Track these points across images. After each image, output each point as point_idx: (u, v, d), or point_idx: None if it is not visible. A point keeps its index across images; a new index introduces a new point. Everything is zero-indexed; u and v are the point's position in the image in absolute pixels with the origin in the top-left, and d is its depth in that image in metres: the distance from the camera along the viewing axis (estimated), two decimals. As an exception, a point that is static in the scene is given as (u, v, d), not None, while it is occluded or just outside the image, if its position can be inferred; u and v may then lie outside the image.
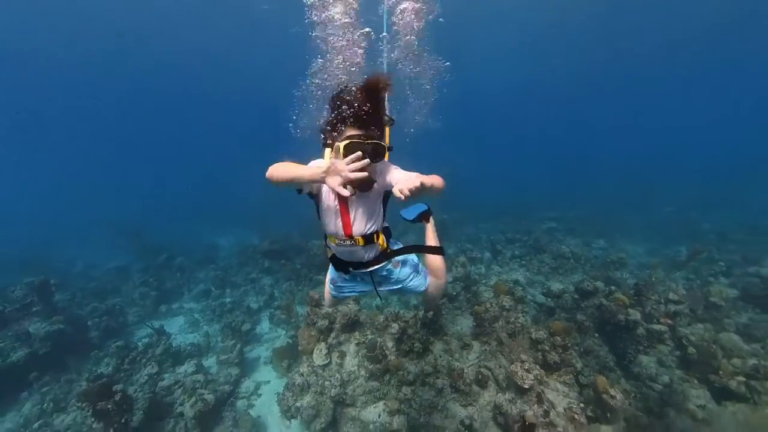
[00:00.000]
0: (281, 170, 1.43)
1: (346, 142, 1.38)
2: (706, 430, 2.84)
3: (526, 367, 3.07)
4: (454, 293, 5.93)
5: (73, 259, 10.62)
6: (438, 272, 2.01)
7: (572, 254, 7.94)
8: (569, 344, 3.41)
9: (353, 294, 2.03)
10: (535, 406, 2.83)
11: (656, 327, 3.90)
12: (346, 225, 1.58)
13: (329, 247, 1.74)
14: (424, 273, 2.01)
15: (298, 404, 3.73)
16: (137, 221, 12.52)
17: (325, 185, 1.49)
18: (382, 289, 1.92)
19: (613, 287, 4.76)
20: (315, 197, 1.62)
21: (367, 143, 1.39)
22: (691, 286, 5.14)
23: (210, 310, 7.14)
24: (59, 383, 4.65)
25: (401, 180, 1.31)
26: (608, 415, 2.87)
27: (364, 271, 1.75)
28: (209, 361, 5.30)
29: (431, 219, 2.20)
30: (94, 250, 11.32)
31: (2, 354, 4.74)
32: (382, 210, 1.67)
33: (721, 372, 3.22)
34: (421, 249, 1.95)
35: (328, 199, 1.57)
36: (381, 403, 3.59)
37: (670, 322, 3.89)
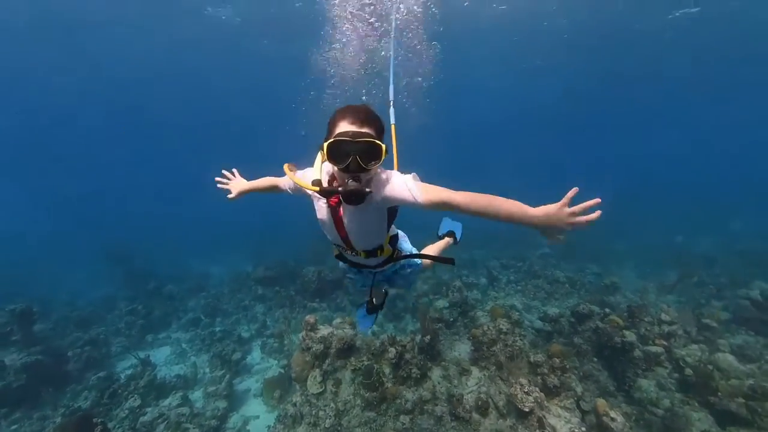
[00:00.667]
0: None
1: (331, 140, 1.18)
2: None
3: (526, 390, 3.02)
4: (451, 319, 5.87)
5: (59, 285, 10.25)
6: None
7: (567, 279, 8.00)
8: (568, 366, 3.38)
9: (360, 285, 2.09)
10: (537, 431, 2.75)
11: (652, 349, 3.91)
12: (345, 240, 1.48)
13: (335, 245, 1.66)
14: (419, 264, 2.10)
15: (290, 437, 3.53)
16: (127, 247, 12.29)
17: (314, 198, 1.42)
18: (380, 273, 1.91)
19: (607, 310, 4.80)
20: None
21: (358, 141, 1.15)
22: (683, 308, 5.20)
23: (199, 339, 6.87)
24: (31, 420, 4.33)
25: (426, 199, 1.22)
26: (611, 439, 2.79)
27: (370, 270, 1.78)
28: (196, 394, 5.02)
29: (452, 239, 2.37)
30: (81, 275, 11.00)
31: (-27, 388, 4.45)
32: (385, 226, 1.52)
33: (720, 394, 3.20)
34: (432, 258, 1.88)
35: (321, 212, 1.44)
36: (377, 435, 3.42)
37: (665, 343, 3.90)
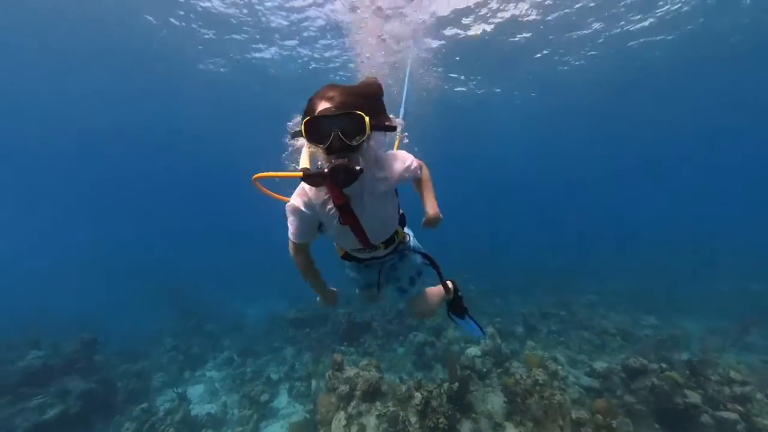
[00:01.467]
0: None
1: (308, 118, 1.07)
2: None
3: (564, 447, 2.73)
4: (485, 369, 5.49)
5: (118, 318, 11.27)
6: (432, 301, 2.03)
7: (618, 331, 7.17)
8: (614, 425, 3.01)
9: (361, 285, 1.99)
10: (581, 500, 2.43)
11: (725, 414, 3.34)
12: (364, 241, 1.41)
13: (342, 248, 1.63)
14: (423, 281, 1.98)
15: (311, 486, 3.40)
16: (179, 284, 13.42)
17: (322, 213, 1.31)
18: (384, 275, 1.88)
19: (663, 365, 4.24)
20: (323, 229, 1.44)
21: (336, 115, 1.05)
22: (753, 364, 4.41)
23: (230, 378, 7.05)
24: (81, 446, 4.64)
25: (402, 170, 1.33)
26: None
27: (378, 259, 1.69)
28: (224, 434, 5.07)
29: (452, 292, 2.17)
30: (137, 308, 12.04)
31: (41, 409, 4.95)
32: (397, 205, 1.50)
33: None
34: (436, 267, 1.86)
35: (332, 220, 1.32)
36: (403, 493, 3.18)
37: (740, 408, 3.33)
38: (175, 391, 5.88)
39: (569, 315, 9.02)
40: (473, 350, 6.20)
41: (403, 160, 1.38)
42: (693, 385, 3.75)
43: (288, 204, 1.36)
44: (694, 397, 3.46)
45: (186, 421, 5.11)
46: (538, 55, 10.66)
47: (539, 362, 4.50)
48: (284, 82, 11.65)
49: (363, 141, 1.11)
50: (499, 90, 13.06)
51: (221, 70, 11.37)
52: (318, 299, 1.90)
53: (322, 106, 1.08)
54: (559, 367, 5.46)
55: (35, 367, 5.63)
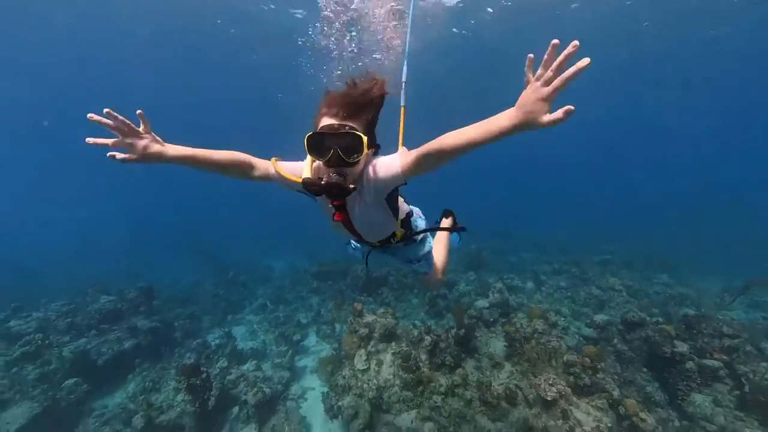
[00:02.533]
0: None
1: (310, 133, 1.19)
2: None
3: (550, 381, 3.20)
4: (491, 319, 6.03)
5: (162, 272, 12.79)
6: (439, 270, 2.14)
7: (624, 287, 7.42)
8: (599, 366, 3.44)
9: (361, 254, 2.03)
10: (560, 421, 2.95)
11: (709, 362, 3.67)
12: (358, 238, 1.52)
13: None
14: (430, 264, 2.06)
15: (339, 404, 4.20)
16: (210, 242, 14.75)
17: (322, 201, 1.39)
18: (388, 256, 1.90)
19: (661, 319, 4.53)
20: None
21: (337, 134, 1.15)
22: (753, 320, 4.61)
23: (266, 321, 8.10)
24: (155, 369, 5.77)
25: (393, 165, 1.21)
26: (641, 440, 2.84)
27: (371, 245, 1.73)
28: (266, 365, 6.07)
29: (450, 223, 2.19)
30: (175, 264, 13.52)
31: (119, 341, 6.09)
32: (391, 215, 1.48)
33: (784, 413, 2.96)
34: (441, 228, 1.91)
35: (329, 215, 1.40)
36: (414, 412, 3.89)
37: (725, 357, 3.64)
38: (223, 330, 6.91)
39: (580, 272, 9.29)
40: (482, 302, 6.73)
41: (389, 168, 1.26)
42: (685, 337, 4.06)
43: (279, 170, 1.36)
44: (683, 347, 3.78)
45: (234, 353, 6.14)
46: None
47: (541, 314, 4.91)
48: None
49: (360, 159, 1.21)
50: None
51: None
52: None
53: (325, 121, 1.20)
54: (561, 319, 5.91)
55: (107, 309, 6.76)
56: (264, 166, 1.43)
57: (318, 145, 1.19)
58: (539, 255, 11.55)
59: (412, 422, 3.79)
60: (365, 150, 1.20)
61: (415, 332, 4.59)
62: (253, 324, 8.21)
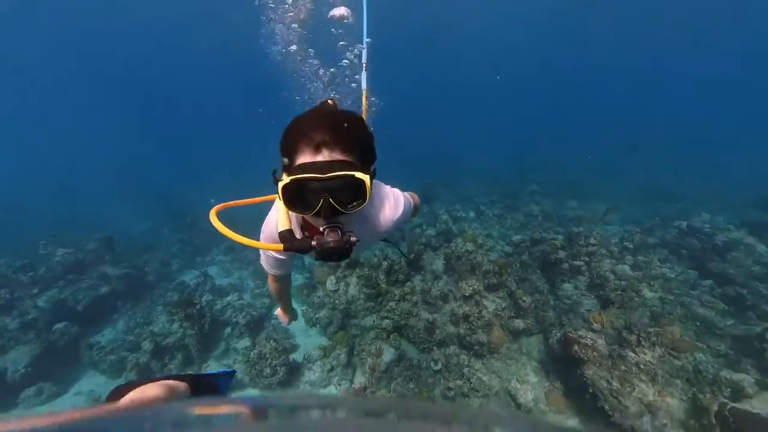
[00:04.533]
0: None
1: (287, 180, 0.84)
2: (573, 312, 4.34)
3: (470, 284, 4.54)
4: (437, 245, 7.38)
5: (112, 219, 12.11)
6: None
7: (541, 212, 9.27)
8: (504, 272, 4.86)
9: None
10: (474, 307, 4.34)
11: (576, 263, 5.33)
12: None
13: None
14: None
15: (317, 316, 5.33)
16: (161, 186, 13.85)
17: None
18: None
19: (556, 236, 6.14)
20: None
21: (328, 178, 0.82)
22: (605, 234, 6.52)
23: (237, 260, 8.72)
24: (141, 308, 6.32)
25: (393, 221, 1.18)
26: (521, 313, 4.38)
27: None
28: (246, 295, 6.94)
29: None
30: (125, 211, 12.80)
31: (93, 288, 6.36)
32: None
33: (607, 288, 4.70)
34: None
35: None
36: (375, 315, 5.16)
37: (587, 259, 5.31)
38: (199, 270, 7.44)
39: (511, 201, 11.06)
40: (431, 231, 8.03)
41: (393, 213, 1.20)
42: (566, 246, 5.67)
43: (262, 255, 1.28)
44: (562, 254, 5.38)
45: (214, 289, 6.85)
46: None
47: (472, 237, 6.24)
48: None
49: (362, 206, 0.90)
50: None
51: None
52: (277, 312, 2.02)
53: (308, 158, 0.83)
54: (490, 240, 7.47)
55: (69, 260, 6.75)
56: (282, 264, 1.40)
57: (300, 195, 0.86)
58: (484, 188, 13.15)
59: (374, 322, 5.08)
60: (368, 194, 0.88)
61: (375, 259, 5.65)
62: (224, 263, 8.78)
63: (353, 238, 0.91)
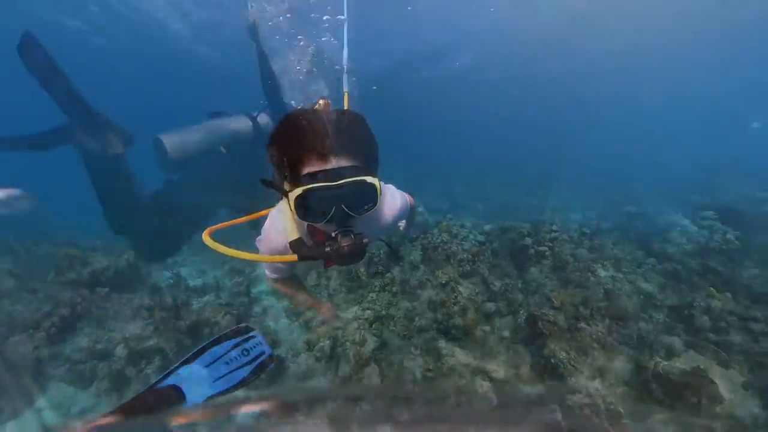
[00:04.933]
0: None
1: (299, 191, 0.83)
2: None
3: (445, 272, 4.83)
4: (414, 236, 7.64)
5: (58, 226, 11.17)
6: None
7: (511, 202, 9.87)
8: (477, 260, 5.21)
9: None
10: (450, 293, 4.63)
11: (541, 248, 5.81)
12: None
13: None
14: None
15: (299, 310, 5.39)
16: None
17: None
18: None
19: (523, 224, 6.61)
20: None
21: (339, 185, 0.83)
22: (566, 221, 7.16)
23: (211, 260, 8.47)
24: (111, 312, 6.02)
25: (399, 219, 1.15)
26: (493, 296, 4.75)
27: None
28: (224, 295, 6.81)
29: None
30: (71, 216, 11.86)
31: (54, 297, 5.94)
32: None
33: (568, 269, 5.20)
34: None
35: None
36: (356, 306, 5.33)
37: (550, 245, 5.79)
38: (171, 272, 7.17)
39: (484, 192, 11.61)
40: (407, 224, 8.29)
41: (393, 209, 1.25)
42: (532, 233, 6.15)
43: (266, 265, 1.24)
44: (528, 240, 5.83)
45: (189, 290, 6.65)
46: None
47: (447, 228, 6.56)
48: None
49: (373, 209, 0.93)
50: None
51: None
52: (321, 312, 1.99)
53: (315, 167, 0.82)
54: (463, 230, 7.85)
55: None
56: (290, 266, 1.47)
57: (311, 205, 0.87)
58: (466, 188, 13.70)
59: (356, 312, 5.24)
60: (379, 196, 0.91)
61: (355, 252, 5.79)
62: (197, 264, 8.50)
63: (365, 240, 0.94)
